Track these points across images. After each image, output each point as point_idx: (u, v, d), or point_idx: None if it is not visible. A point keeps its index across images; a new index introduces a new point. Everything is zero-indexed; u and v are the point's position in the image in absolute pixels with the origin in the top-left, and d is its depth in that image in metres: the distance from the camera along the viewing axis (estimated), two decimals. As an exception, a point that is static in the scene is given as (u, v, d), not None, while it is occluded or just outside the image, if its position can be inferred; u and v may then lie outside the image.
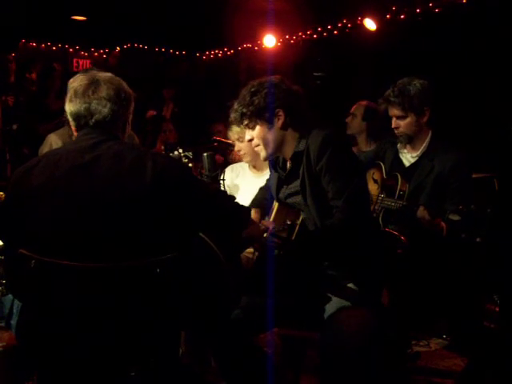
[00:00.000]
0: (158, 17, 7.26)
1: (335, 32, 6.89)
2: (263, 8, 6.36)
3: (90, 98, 2.10)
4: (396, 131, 3.35)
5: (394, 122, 3.33)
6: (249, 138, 2.64)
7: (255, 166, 3.71)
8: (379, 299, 2.58)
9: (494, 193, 3.61)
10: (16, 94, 6.79)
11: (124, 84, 2.19)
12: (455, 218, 2.79)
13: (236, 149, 3.72)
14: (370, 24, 6.26)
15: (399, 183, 3.27)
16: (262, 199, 2.95)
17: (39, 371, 2.17)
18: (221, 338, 2.49)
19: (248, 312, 2.51)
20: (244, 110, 2.57)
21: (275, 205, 2.72)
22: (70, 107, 2.13)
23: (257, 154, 2.73)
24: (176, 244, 2.01)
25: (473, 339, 3.50)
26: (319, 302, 2.51)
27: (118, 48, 9.23)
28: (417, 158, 3.35)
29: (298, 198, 2.58)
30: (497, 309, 3.57)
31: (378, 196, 3.33)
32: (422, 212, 3.00)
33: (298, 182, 2.57)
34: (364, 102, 4.54)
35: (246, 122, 2.60)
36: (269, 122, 2.56)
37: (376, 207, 3.30)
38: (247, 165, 3.76)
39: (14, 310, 2.68)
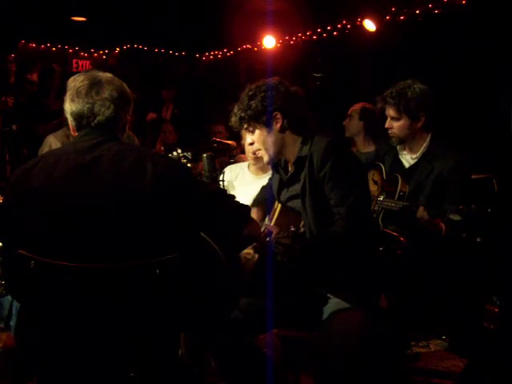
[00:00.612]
0: (158, 18, 7.26)
1: (335, 33, 6.90)
2: (263, 9, 6.36)
3: (93, 98, 2.09)
4: (389, 131, 3.37)
5: (388, 122, 3.36)
6: (249, 141, 2.65)
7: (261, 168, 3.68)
8: (378, 301, 2.58)
9: (494, 193, 3.61)
10: (16, 95, 6.78)
11: (124, 85, 2.19)
12: (456, 218, 2.79)
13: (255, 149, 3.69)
14: (369, 25, 6.26)
15: (399, 184, 3.28)
16: (264, 198, 2.95)
17: (39, 372, 2.16)
18: (220, 338, 2.49)
19: (247, 313, 2.51)
20: (242, 115, 2.57)
21: (278, 206, 2.72)
22: (71, 107, 2.12)
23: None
24: (176, 244, 2.00)
25: (472, 340, 3.49)
26: (318, 302, 2.51)
27: (117, 49, 9.22)
28: (417, 160, 3.36)
29: (298, 202, 2.58)
30: (496, 310, 3.57)
31: (378, 197, 3.34)
32: (421, 212, 3.01)
33: (298, 186, 2.56)
34: (359, 104, 4.56)
35: (245, 126, 2.61)
36: (267, 126, 2.56)
37: (376, 208, 3.30)
38: (246, 165, 3.75)
39: (13, 311, 2.68)
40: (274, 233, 2.42)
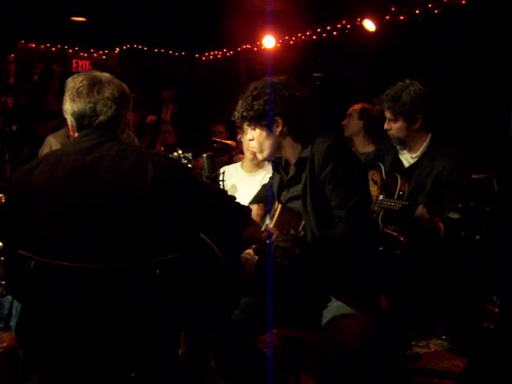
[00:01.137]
0: (158, 18, 7.26)
1: (334, 33, 6.89)
2: (262, 9, 6.36)
3: (95, 97, 2.09)
4: (388, 132, 3.39)
5: (387, 124, 3.38)
6: (250, 137, 2.64)
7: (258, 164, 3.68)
8: (378, 303, 2.58)
9: (494, 193, 3.61)
10: (15, 95, 6.78)
11: (124, 84, 2.19)
12: (455, 216, 2.79)
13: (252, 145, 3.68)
14: (369, 25, 6.26)
15: (399, 184, 3.28)
16: (265, 196, 2.94)
17: (39, 372, 2.17)
18: (220, 338, 2.49)
19: (248, 313, 2.51)
20: (244, 114, 2.57)
21: (278, 207, 2.72)
22: (72, 107, 2.11)
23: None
24: (176, 245, 2.00)
25: (472, 340, 3.49)
26: (319, 302, 2.51)
27: (117, 49, 9.22)
28: (416, 159, 3.36)
29: (298, 204, 2.57)
30: (496, 309, 3.57)
31: (378, 196, 3.34)
32: (421, 210, 3.01)
33: (299, 187, 2.56)
34: (359, 104, 4.56)
35: (246, 123, 2.61)
36: (267, 129, 2.55)
37: (376, 208, 3.30)
38: (239, 164, 3.75)
39: (13, 311, 2.68)
40: (274, 236, 2.41)
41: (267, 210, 2.86)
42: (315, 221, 2.49)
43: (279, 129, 2.54)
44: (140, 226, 1.98)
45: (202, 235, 2.10)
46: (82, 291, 1.96)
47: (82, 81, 2.12)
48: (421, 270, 3.14)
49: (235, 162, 4.18)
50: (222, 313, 2.27)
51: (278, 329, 2.65)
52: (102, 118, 2.10)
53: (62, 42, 8.86)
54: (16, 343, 2.29)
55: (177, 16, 7.09)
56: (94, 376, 2.02)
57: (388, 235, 3.09)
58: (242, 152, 4.48)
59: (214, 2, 6.30)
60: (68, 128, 2.22)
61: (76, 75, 2.18)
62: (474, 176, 3.31)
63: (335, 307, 2.45)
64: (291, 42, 7.53)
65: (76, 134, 2.15)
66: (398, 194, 3.26)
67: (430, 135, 3.35)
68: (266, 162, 2.72)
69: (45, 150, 4.45)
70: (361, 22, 6.36)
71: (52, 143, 4.46)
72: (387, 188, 3.35)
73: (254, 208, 2.84)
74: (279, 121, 2.53)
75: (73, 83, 2.13)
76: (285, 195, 2.68)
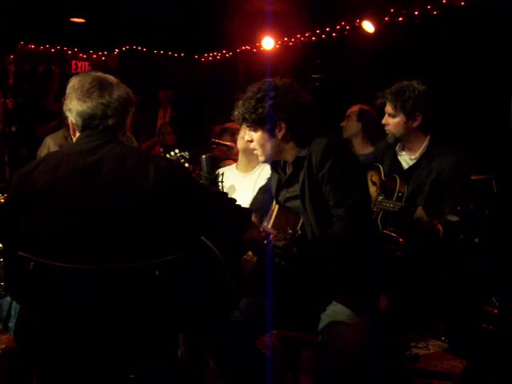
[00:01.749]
0: (157, 19, 7.26)
1: (334, 34, 6.90)
2: (262, 10, 6.36)
3: (107, 100, 2.08)
4: (385, 128, 3.39)
5: (385, 119, 3.38)
6: (248, 139, 2.62)
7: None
8: (377, 304, 2.58)
9: (493, 194, 3.62)
10: (15, 96, 6.78)
11: (128, 87, 2.19)
12: (454, 218, 2.79)
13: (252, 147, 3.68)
14: (368, 26, 6.27)
15: (398, 185, 3.28)
16: (262, 200, 2.93)
17: (38, 373, 2.17)
18: (220, 339, 2.48)
19: (247, 314, 2.51)
20: (246, 116, 2.54)
21: (275, 207, 2.72)
22: (81, 107, 2.09)
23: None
24: (176, 246, 2.00)
25: (471, 341, 3.49)
26: (318, 303, 2.51)
27: (116, 50, 9.22)
28: (415, 160, 3.36)
29: (297, 203, 2.56)
30: (495, 311, 3.57)
31: (377, 198, 3.34)
32: (420, 212, 3.01)
33: (297, 187, 2.56)
34: (357, 106, 4.56)
35: (247, 125, 2.60)
36: (270, 132, 2.54)
37: (375, 209, 3.31)
38: (234, 166, 3.75)
39: (12, 312, 2.67)
40: (272, 236, 2.41)
41: (264, 213, 2.85)
42: (314, 220, 2.49)
43: (282, 133, 2.53)
44: (140, 227, 1.98)
45: (202, 238, 2.11)
46: (81, 292, 1.96)
47: (91, 81, 2.11)
48: (420, 272, 3.13)
49: (222, 166, 4.18)
50: (222, 314, 2.27)
51: (277, 330, 2.65)
52: (111, 120, 2.09)
53: (61, 43, 8.86)
54: (15, 344, 2.28)
55: (176, 17, 7.10)
56: (93, 377, 2.02)
57: (387, 236, 3.09)
58: (229, 158, 4.49)
59: (214, 3, 6.31)
60: (66, 129, 2.22)
61: (81, 75, 2.16)
62: (473, 177, 3.31)
63: (334, 311, 2.45)
64: (290, 44, 7.54)
65: (77, 134, 2.15)
66: (397, 195, 3.26)
67: (428, 137, 3.35)
68: (260, 162, 2.70)
69: (43, 150, 4.45)
70: (360, 23, 6.37)
71: (50, 144, 4.47)
72: (386, 189, 3.35)
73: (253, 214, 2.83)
74: (282, 125, 2.52)
75: (80, 82, 2.11)
76: (283, 195, 2.68)
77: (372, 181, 3.47)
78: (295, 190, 2.58)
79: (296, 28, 7.24)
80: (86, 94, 2.08)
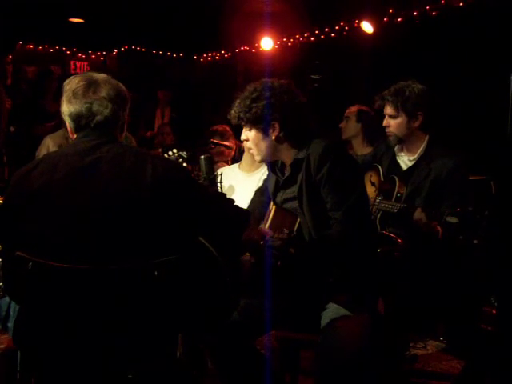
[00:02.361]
0: (156, 19, 7.27)
1: (333, 35, 6.90)
2: (261, 10, 6.38)
3: (90, 98, 2.09)
4: (386, 130, 3.38)
5: (386, 121, 3.36)
6: (244, 138, 2.63)
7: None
8: (375, 305, 2.58)
9: (491, 195, 3.62)
10: (13, 97, 6.77)
11: (120, 84, 2.19)
12: (453, 220, 2.79)
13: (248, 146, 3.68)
14: (367, 27, 6.27)
15: (397, 186, 3.28)
16: (259, 201, 2.94)
17: (37, 374, 2.17)
18: (219, 340, 2.49)
19: (246, 314, 2.51)
20: (241, 115, 2.56)
21: (272, 208, 2.72)
22: (69, 108, 2.12)
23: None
24: (175, 247, 2.01)
25: (470, 342, 3.50)
26: (317, 304, 2.51)
27: (115, 50, 9.22)
28: (414, 162, 3.36)
29: (295, 204, 2.56)
30: (494, 311, 3.57)
31: (376, 199, 3.34)
32: (419, 214, 3.01)
33: (295, 188, 2.56)
34: (355, 106, 4.56)
35: (242, 124, 2.61)
36: (264, 132, 2.55)
37: (373, 210, 3.31)
38: (237, 166, 3.74)
39: (11, 312, 2.67)
40: (268, 236, 2.41)
41: (262, 216, 2.85)
42: (311, 222, 2.49)
43: (275, 133, 2.53)
44: (138, 227, 1.98)
45: (200, 238, 2.11)
46: (79, 292, 1.96)
47: (78, 82, 2.12)
48: (419, 272, 3.14)
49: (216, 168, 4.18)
50: (221, 314, 2.27)
51: (276, 330, 2.65)
52: (98, 118, 2.10)
53: (60, 43, 8.87)
54: (14, 345, 2.28)
55: (175, 17, 7.10)
56: (92, 377, 2.02)
57: (386, 237, 3.09)
58: (225, 161, 4.50)
59: (213, 3, 6.31)
60: (66, 129, 2.23)
61: (73, 77, 2.18)
62: (471, 178, 3.32)
63: (334, 309, 2.45)
64: (289, 44, 7.55)
65: (75, 136, 2.16)
66: (396, 196, 3.26)
67: (427, 137, 3.35)
68: (256, 161, 2.71)
69: (42, 151, 4.45)
70: (359, 23, 6.38)
71: (49, 144, 4.47)
72: (385, 190, 3.35)
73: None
74: (276, 125, 2.52)
75: (69, 85, 2.13)
76: (280, 196, 2.68)
77: (371, 181, 3.48)
78: (293, 191, 2.58)
79: (295, 28, 7.25)
80: (72, 96, 2.10)
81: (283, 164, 2.68)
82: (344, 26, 6.74)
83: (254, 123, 2.54)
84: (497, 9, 4.97)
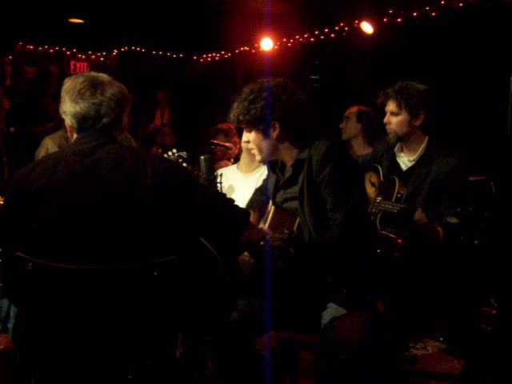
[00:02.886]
0: (156, 20, 7.26)
1: (332, 35, 6.90)
2: (260, 11, 6.37)
3: (98, 99, 2.07)
4: (387, 127, 3.38)
5: (387, 118, 3.36)
6: (245, 139, 2.64)
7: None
8: (375, 305, 2.58)
9: (491, 195, 3.62)
10: (13, 97, 6.77)
11: (123, 85, 2.19)
12: (453, 220, 2.79)
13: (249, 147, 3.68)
14: (367, 27, 6.27)
15: (397, 186, 3.28)
16: (259, 201, 2.94)
17: (36, 374, 2.16)
18: (218, 340, 2.48)
19: (245, 315, 2.51)
20: (240, 117, 2.56)
21: (271, 208, 2.72)
22: (74, 108, 2.09)
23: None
24: (175, 247, 2.00)
25: (470, 342, 3.49)
26: (316, 304, 2.51)
27: (115, 51, 9.22)
28: (414, 162, 3.36)
29: (295, 204, 2.57)
30: (493, 311, 3.57)
31: (376, 199, 3.34)
32: (419, 214, 3.01)
33: (296, 188, 2.56)
34: (355, 107, 4.56)
35: (242, 126, 2.61)
36: (264, 133, 2.55)
37: (373, 210, 3.31)
38: (234, 166, 3.74)
39: (11, 313, 2.67)
40: (268, 236, 2.41)
41: (261, 214, 2.86)
42: (312, 222, 2.49)
43: (276, 133, 2.54)
44: (138, 228, 1.98)
45: (200, 239, 2.11)
46: (79, 293, 1.96)
47: (82, 82, 2.11)
48: (419, 272, 3.13)
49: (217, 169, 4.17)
50: (220, 315, 2.27)
51: (275, 331, 2.65)
52: (105, 120, 2.09)
53: (59, 43, 8.86)
54: (13, 345, 2.28)
55: (175, 18, 7.10)
56: (92, 378, 2.02)
57: (386, 237, 3.09)
58: (224, 159, 4.50)
59: (213, 4, 6.30)
60: (66, 130, 2.22)
61: (74, 76, 2.17)
62: (471, 178, 3.32)
63: (334, 308, 2.45)
64: (289, 45, 7.54)
65: (75, 136, 2.15)
66: (396, 196, 3.26)
67: (427, 138, 3.35)
68: (262, 163, 2.72)
69: (41, 151, 4.45)
70: (358, 24, 6.37)
71: (49, 145, 4.46)
72: (385, 190, 3.35)
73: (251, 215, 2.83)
74: (276, 125, 2.53)
75: (72, 84, 2.12)
76: (281, 195, 2.68)
77: (371, 182, 3.47)
78: (293, 191, 2.58)
79: (295, 29, 7.25)
80: (78, 95, 2.08)
81: (283, 164, 2.68)
82: (344, 27, 6.74)
83: (253, 125, 2.54)
84: (497, 9, 4.97)
